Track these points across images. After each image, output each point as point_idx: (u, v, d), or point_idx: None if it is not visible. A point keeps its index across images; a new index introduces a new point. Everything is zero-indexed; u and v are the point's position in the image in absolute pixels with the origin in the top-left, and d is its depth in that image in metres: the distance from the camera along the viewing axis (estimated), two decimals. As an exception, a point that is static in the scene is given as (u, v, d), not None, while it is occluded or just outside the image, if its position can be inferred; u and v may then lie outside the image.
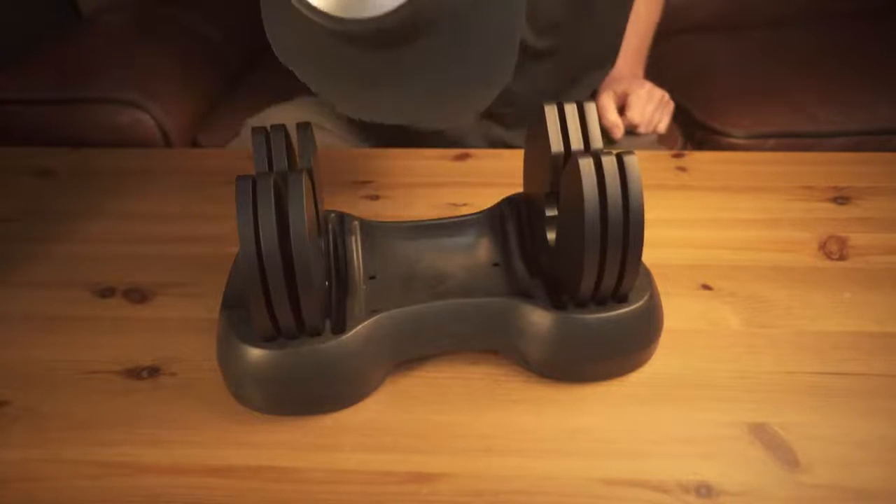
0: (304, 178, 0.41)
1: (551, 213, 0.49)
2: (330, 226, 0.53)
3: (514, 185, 0.57)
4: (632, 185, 0.42)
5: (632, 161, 0.42)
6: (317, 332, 0.44)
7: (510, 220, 0.55)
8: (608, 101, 0.87)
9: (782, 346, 0.50)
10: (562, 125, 0.47)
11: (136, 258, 0.61)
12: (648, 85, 0.90)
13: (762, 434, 0.43)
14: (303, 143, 0.50)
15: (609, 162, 0.42)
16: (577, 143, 0.47)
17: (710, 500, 0.40)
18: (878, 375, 0.48)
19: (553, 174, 0.47)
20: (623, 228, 0.42)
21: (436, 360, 0.49)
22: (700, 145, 1.15)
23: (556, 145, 0.47)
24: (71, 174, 0.75)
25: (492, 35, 0.36)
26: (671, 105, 0.92)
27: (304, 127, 0.51)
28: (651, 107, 0.88)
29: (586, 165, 0.42)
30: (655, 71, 1.03)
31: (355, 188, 0.70)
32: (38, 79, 1.07)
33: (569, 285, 0.46)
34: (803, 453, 0.42)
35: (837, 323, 0.52)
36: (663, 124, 0.91)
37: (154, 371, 0.49)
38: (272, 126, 0.48)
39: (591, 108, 0.47)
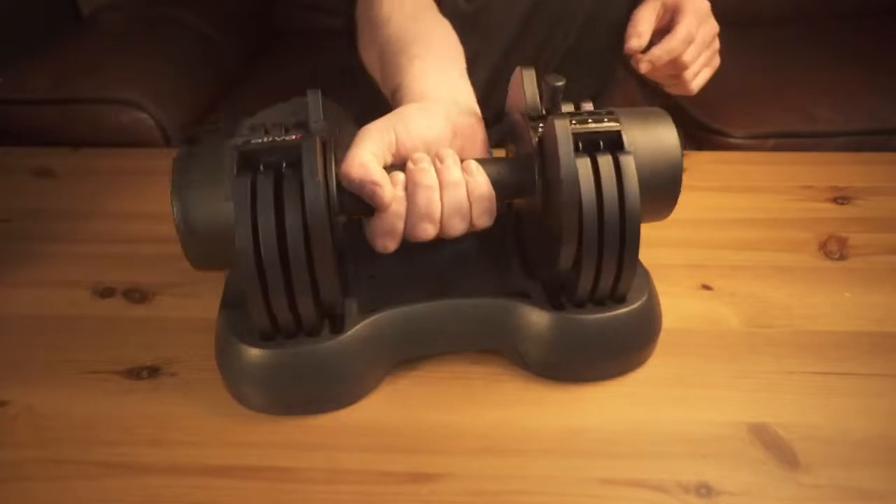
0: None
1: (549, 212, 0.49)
2: None
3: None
4: (628, 186, 0.41)
5: (627, 161, 0.42)
6: (315, 332, 0.44)
7: (509, 220, 0.55)
8: (648, 13, 0.66)
9: (782, 346, 0.50)
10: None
11: (136, 258, 0.60)
12: (708, 6, 0.67)
13: (762, 434, 0.43)
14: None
15: (605, 162, 0.42)
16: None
17: (710, 500, 0.40)
18: (878, 375, 0.47)
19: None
20: (619, 228, 0.42)
21: (436, 360, 0.49)
22: (700, 145, 1.15)
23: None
24: (71, 174, 0.75)
25: None
26: (717, 60, 0.70)
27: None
28: (701, 40, 0.66)
29: (583, 166, 0.41)
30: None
31: (355, 188, 0.70)
32: (38, 79, 1.06)
33: (567, 286, 0.46)
34: (803, 453, 0.42)
35: (837, 323, 0.52)
36: (701, 79, 0.69)
37: (154, 371, 0.49)
38: (272, 123, 0.48)
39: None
